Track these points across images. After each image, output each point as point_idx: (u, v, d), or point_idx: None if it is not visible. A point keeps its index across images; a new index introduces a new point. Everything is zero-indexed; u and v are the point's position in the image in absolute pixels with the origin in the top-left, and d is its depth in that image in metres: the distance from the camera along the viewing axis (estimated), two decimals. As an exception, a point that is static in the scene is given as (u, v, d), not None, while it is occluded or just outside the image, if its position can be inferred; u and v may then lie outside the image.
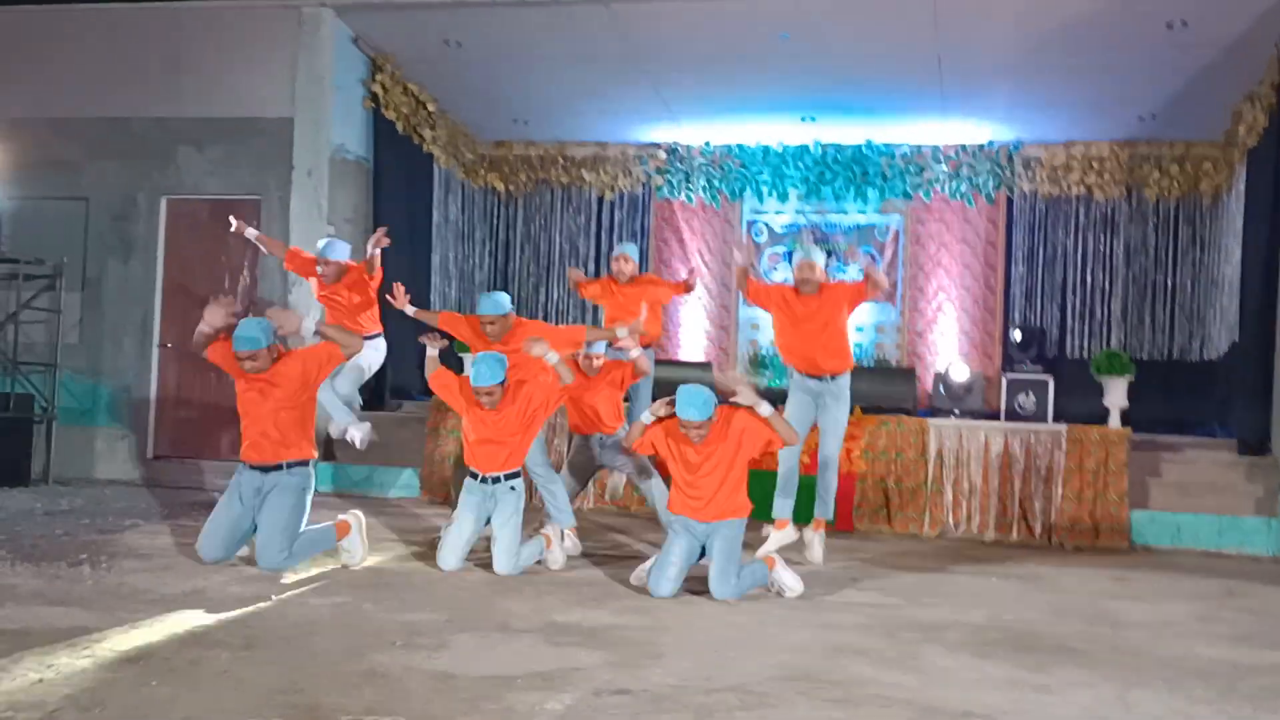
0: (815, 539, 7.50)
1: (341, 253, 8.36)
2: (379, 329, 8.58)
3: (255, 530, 6.38)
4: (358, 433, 8.34)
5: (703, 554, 6.28)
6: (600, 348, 7.57)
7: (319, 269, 8.32)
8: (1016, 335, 11.99)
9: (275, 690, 3.88)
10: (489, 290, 7.55)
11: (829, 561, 7.61)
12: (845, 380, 7.48)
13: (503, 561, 6.62)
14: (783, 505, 7.44)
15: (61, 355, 10.83)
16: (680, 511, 6.27)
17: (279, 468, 6.39)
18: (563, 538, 7.26)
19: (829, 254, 13.24)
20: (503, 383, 6.63)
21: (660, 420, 6.28)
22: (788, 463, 7.45)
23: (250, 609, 5.27)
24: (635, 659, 4.61)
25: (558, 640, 4.90)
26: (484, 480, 6.77)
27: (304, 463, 6.48)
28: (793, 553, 7.32)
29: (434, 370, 6.99)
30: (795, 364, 7.50)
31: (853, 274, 13.03)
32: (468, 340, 7.69)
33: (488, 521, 6.80)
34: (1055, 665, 4.87)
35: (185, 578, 5.97)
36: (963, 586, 7.05)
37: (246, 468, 6.43)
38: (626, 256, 8.96)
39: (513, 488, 6.80)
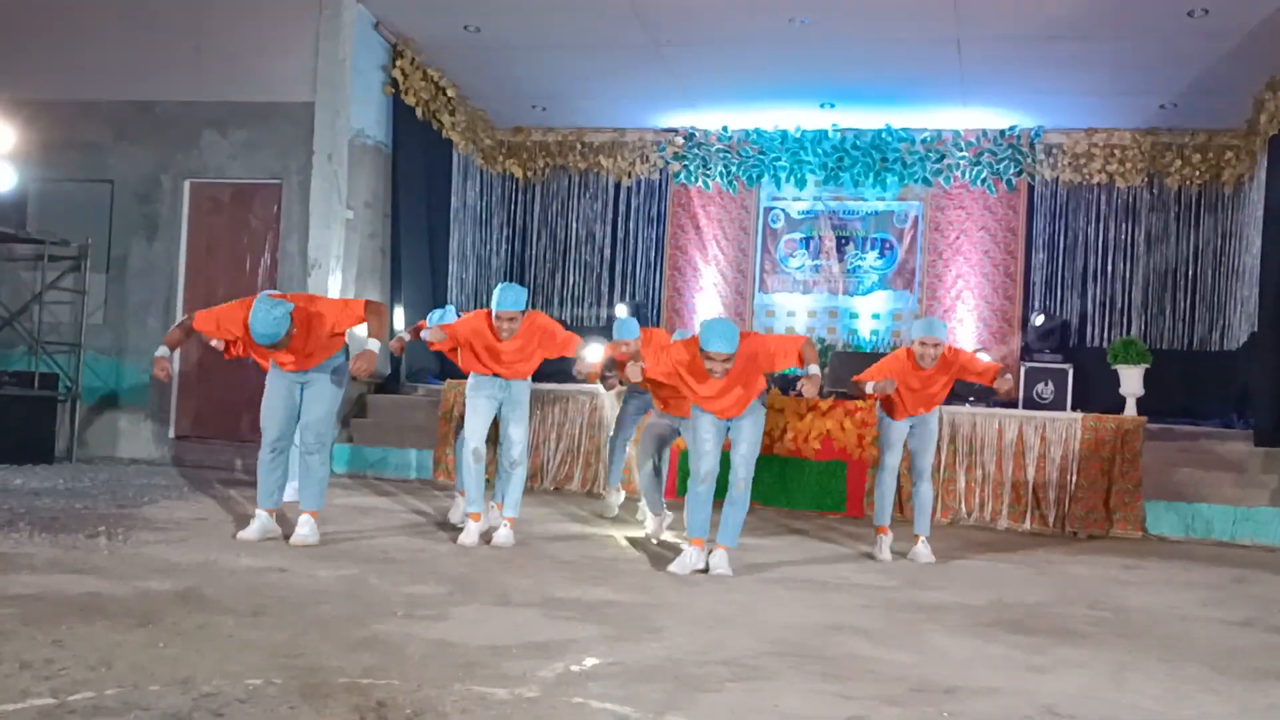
0: (920, 550, 7.39)
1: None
2: None
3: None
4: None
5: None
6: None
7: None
8: (1039, 320, 11.96)
9: (278, 653, 3.97)
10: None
11: (835, 544, 7.71)
12: (936, 410, 7.52)
13: (517, 448, 6.98)
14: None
15: (86, 335, 11.00)
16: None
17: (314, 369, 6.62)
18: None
19: (847, 241, 13.28)
20: (524, 312, 6.88)
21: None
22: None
23: (261, 579, 5.37)
24: (632, 633, 4.67)
25: (556, 614, 4.97)
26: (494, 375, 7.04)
27: (337, 355, 6.68)
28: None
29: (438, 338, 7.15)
30: (892, 414, 7.43)
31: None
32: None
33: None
34: (1053, 646, 4.91)
35: (199, 550, 6.08)
36: (969, 571, 7.09)
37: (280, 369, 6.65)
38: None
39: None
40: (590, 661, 4.13)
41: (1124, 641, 5.08)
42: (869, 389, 7.14)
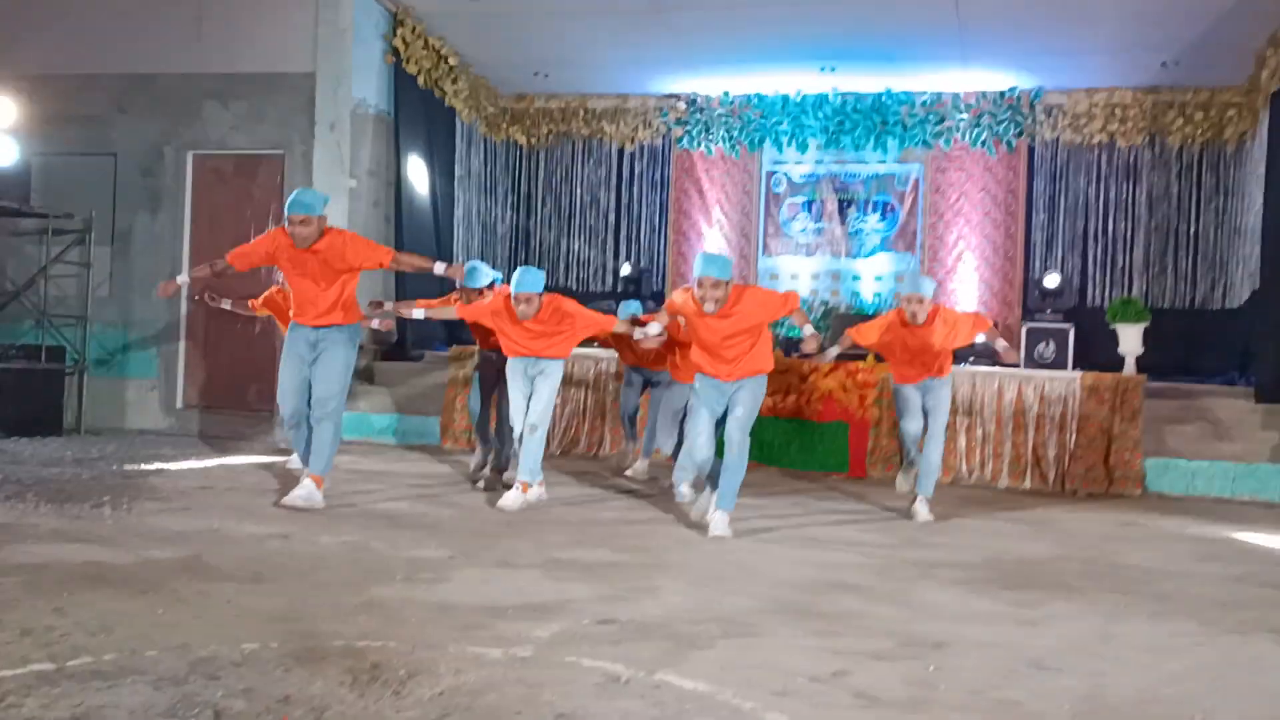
0: (919, 508, 7.46)
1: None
2: None
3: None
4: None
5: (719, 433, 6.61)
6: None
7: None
8: (1053, 281, 11.87)
9: (275, 619, 4.04)
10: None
11: (836, 503, 7.79)
12: (949, 378, 7.58)
13: (536, 413, 7.14)
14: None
15: (92, 308, 11.06)
16: (706, 374, 6.54)
17: (329, 327, 6.81)
18: None
19: (849, 204, 13.28)
20: (540, 294, 7.04)
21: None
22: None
23: (263, 547, 5.44)
24: (629, 593, 4.74)
25: (556, 575, 5.04)
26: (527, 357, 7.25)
27: (351, 324, 6.92)
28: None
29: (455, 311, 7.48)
30: (900, 378, 7.53)
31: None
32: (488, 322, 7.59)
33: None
34: (1044, 601, 4.97)
35: (202, 518, 6.15)
36: (966, 529, 7.15)
37: (297, 325, 6.86)
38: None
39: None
40: (586, 621, 4.20)
41: (1116, 596, 5.14)
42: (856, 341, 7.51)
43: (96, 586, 4.42)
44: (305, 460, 6.95)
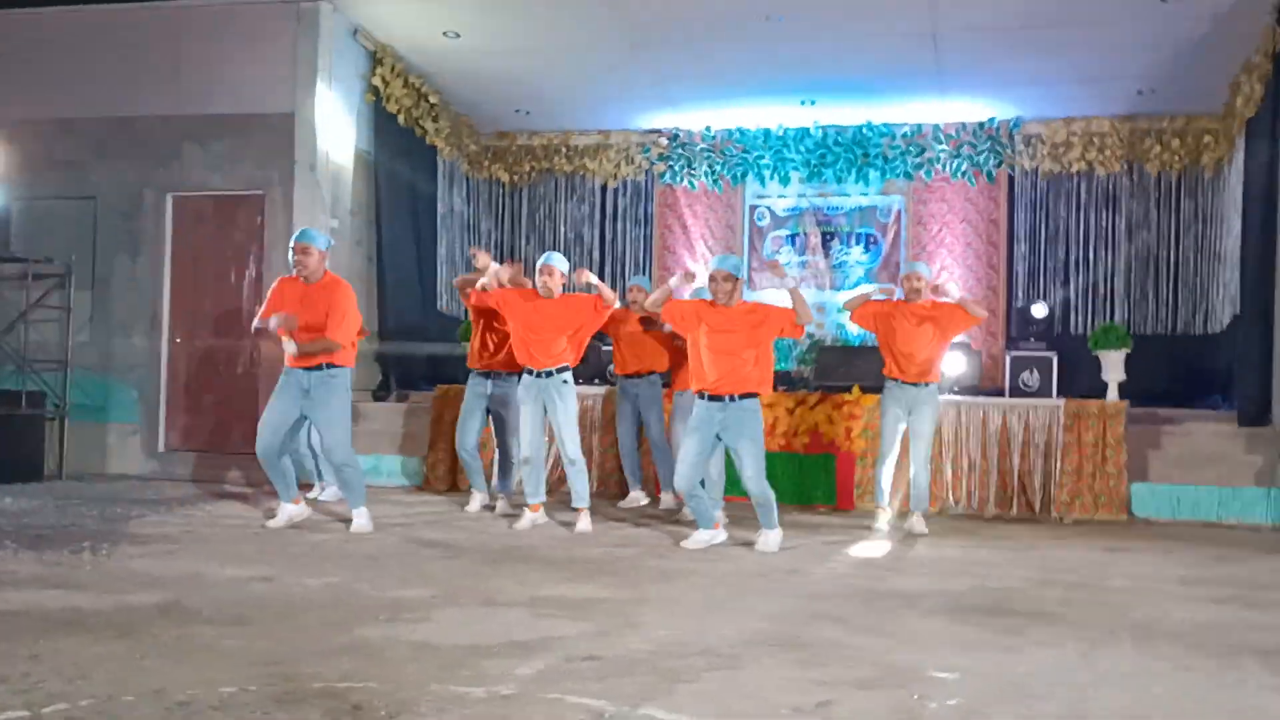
0: (915, 521, 8.15)
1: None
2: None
3: (299, 426, 7.52)
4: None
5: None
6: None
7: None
8: (1040, 311, 11.95)
9: (256, 662, 4.00)
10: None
11: (823, 535, 7.78)
12: (935, 389, 8.13)
13: (569, 448, 7.67)
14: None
15: (73, 353, 11.01)
16: (699, 387, 7.01)
17: (320, 368, 7.20)
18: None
19: (832, 236, 13.33)
20: (563, 274, 7.64)
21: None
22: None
23: (245, 590, 5.40)
24: (614, 628, 4.71)
25: (541, 613, 5.00)
26: (537, 375, 7.62)
27: (343, 367, 7.33)
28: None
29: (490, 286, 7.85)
30: (893, 370, 8.09)
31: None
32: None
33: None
34: (1027, 628, 4.95)
35: (184, 562, 6.11)
36: (951, 558, 7.12)
37: (291, 370, 7.29)
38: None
39: (565, 380, 7.60)
40: (570, 658, 4.17)
41: (1099, 622, 5.13)
42: (869, 293, 8.37)
43: (74, 632, 4.37)
44: (285, 495, 7.48)
